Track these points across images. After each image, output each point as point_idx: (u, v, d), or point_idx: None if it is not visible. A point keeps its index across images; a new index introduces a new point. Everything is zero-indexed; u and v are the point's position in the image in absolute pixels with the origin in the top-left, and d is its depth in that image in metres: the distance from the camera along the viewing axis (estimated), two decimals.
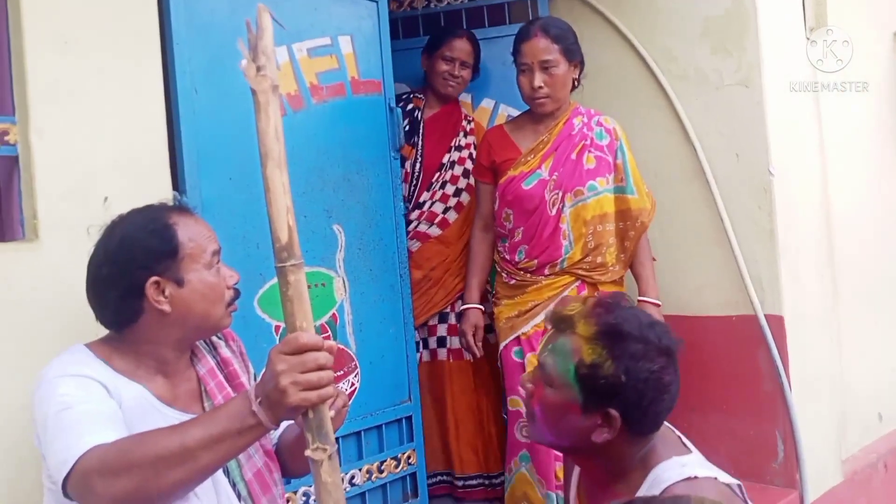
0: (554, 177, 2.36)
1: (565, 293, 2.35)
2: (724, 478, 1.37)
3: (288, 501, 1.83)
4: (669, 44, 2.72)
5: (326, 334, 2.24)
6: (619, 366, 1.28)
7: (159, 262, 1.35)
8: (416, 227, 2.60)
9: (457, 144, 2.61)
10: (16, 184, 1.70)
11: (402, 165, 2.58)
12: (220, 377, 1.47)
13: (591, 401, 1.30)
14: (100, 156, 1.73)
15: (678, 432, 1.50)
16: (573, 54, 2.37)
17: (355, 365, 2.23)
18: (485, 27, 2.89)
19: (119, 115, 1.76)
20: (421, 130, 2.64)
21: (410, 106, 2.67)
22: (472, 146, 2.71)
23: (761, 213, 2.58)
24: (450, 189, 2.56)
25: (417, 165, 2.63)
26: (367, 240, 2.36)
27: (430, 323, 2.55)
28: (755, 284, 2.58)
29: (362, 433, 2.32)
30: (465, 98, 2.84)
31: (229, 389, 1.46)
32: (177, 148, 1.91)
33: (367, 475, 2.33)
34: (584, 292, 2.36)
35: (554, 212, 2.35)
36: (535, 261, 2.37)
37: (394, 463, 2.40)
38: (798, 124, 2.77)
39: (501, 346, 2.41)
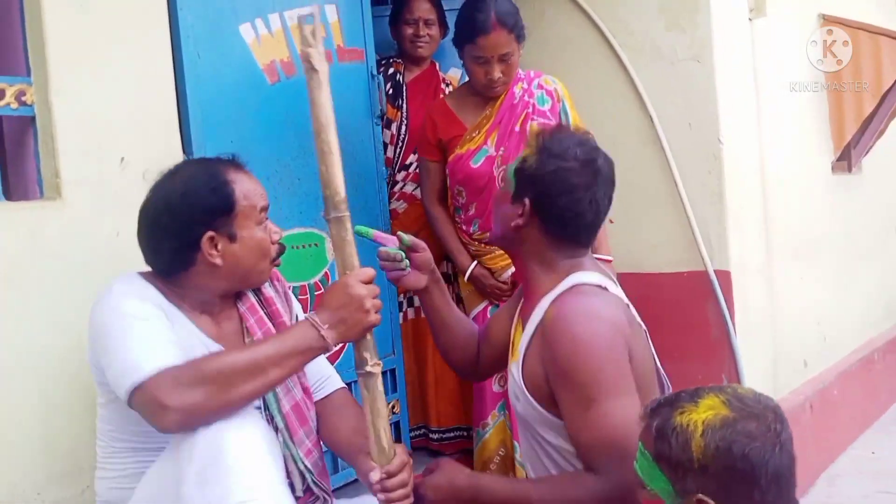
0: (501, 151, 2.40)
1: None
2: (632, 314, 1.62)
3: None
4: (627, 19, 2.90)
5: (320, 292, 2.35)
6: (537, 160, 1.60)
7: (216, 219, 1.44)
8: (402, 188, 2.68)
9: None
10: (30, 144, 1.74)
11: (388, 128, 2.67)
12: (261, 313, 1.57)
13: (518, 191, 1.62)
14: (116, 116, 1.78)
15: (617, 283, 1.70)
16: (523, 36, 2.41)
17: None
18: None
19: (131, 76, 1.81)
20: (404, 93, 2.71)
21: (392, 70, 2.73)
22: None
23: (711, 177, 2.81)
24: None
25: (403, 128, 2.70)
26: (353, 203, 2.36)
27: None
28: (705, 243, 2.81)
29: (351, 384, 2.43)
30: None
31: (270, 326, 1.56)
32: (182, 111, 1.96)
33: None
34: None
35: None
36: (488, 233, 2.39)
37: None
38: (740, 99, 3.02)
39: (472, 313, 2.49)
